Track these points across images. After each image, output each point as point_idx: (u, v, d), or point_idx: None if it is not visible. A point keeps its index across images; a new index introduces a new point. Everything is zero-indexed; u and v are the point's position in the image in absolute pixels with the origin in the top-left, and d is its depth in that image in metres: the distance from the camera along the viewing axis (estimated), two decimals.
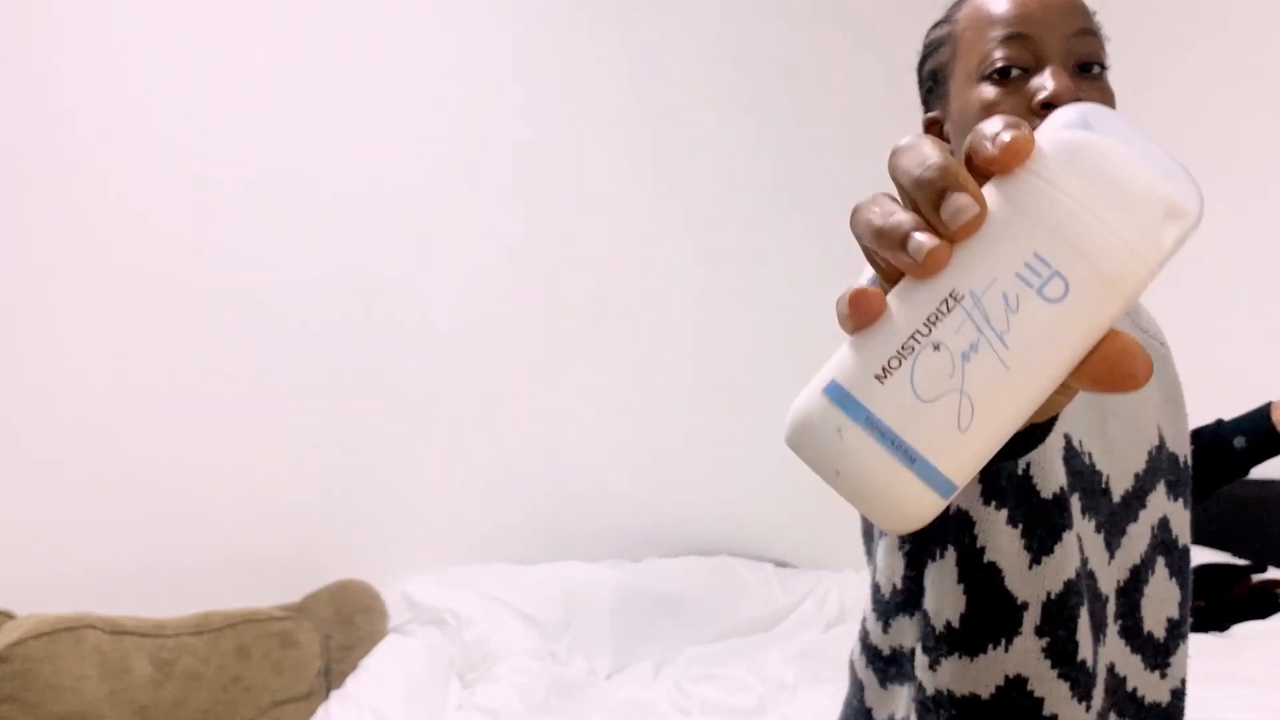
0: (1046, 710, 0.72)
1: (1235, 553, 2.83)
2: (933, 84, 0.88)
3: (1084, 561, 0.77)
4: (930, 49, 0.89)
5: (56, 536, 2.03)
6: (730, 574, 2.67)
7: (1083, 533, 0.77)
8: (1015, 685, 0.72)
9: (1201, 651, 2.31)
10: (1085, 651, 0.74)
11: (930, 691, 0.74)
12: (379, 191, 2.47)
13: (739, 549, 2.79)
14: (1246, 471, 1.10)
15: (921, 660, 0.74)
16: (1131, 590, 0.83)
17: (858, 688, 0.87)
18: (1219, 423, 1.12)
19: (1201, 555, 2.83)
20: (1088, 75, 0.80)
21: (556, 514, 2.65)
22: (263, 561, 2.24)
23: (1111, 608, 0.82)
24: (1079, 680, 0.73)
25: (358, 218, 2.44)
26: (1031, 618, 0.71)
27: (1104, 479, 0.80)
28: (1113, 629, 0.81)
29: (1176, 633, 0.86)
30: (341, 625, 2.13)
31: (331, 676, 2.07)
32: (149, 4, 2.21)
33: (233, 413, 2.24)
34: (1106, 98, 0.81)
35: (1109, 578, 0.81)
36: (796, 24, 3.23)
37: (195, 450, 2.19)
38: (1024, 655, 0.71)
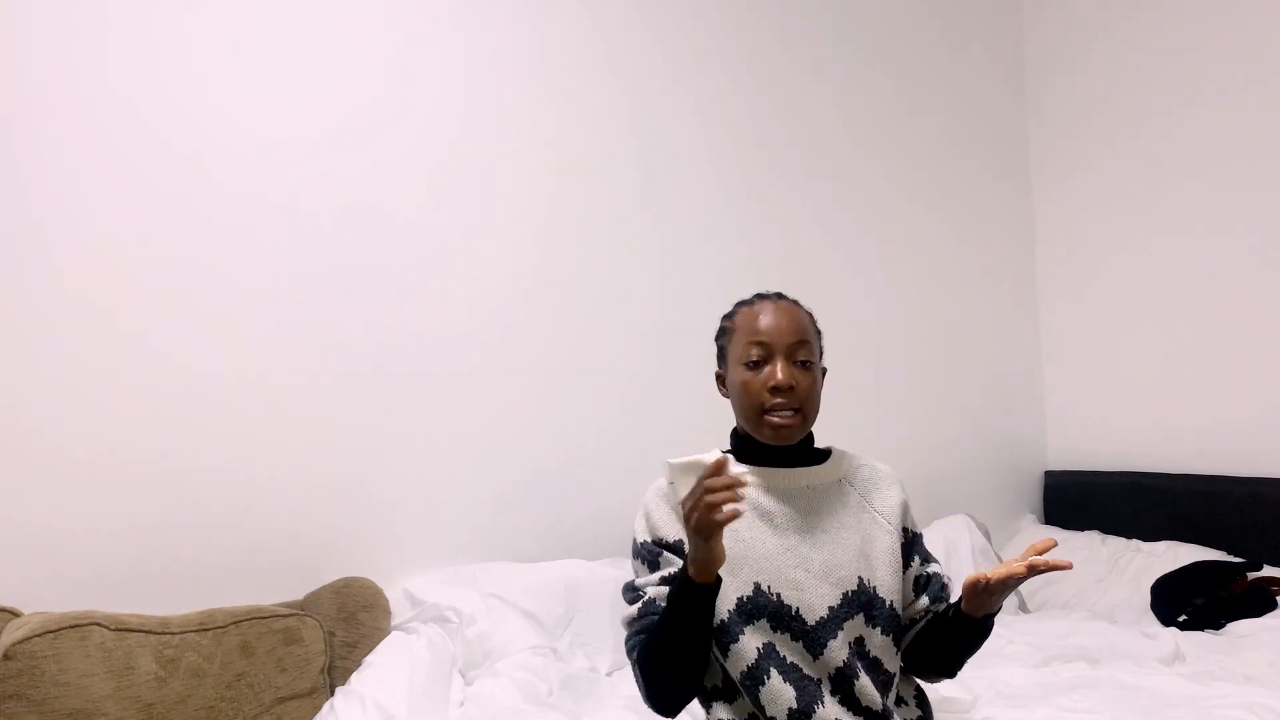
0: None
1: (1232, 551, 2.84)
2: (720, 352, 1.52)
3: (784, 658, 1.34)
4: (720, 331, 1.53)
5: (62, 535, 2.04)
6: None
7: (778, 642, 1.34)
8: (752, 716, 1.36)
9: (1198, 649, 2.33)
10: (774, 709, 1.31)
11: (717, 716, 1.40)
12: (382, 195, 2.48)
13: None
14: (967, 630, 1.37)
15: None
16: (842, 680, 1.34)
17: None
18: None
19: (1198, 553, 2.85)
20: (801, 366, 1.42)
21: (557, 512, 2.66)
22: (266, 559, 2.25)
23: (826, 687, 1.34)
24: None
25: (359, 220, 2.45)
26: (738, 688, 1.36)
27: (794, 609, 1.34)
28: (830, 700, 1.33)
29: (886, 709, 1.37)
30: (345, 622, 2.13)
31: (335, 673, 2.08)
32: (149, 7, 2.22)
33: (236, 411, 2.25)
34: (811, 376, 1.43)
35: (817, 670, 1.34)
36: (799, 49, 3.24)
37: (199, 449, 2.20)
38: (744, 703, 1.37)
